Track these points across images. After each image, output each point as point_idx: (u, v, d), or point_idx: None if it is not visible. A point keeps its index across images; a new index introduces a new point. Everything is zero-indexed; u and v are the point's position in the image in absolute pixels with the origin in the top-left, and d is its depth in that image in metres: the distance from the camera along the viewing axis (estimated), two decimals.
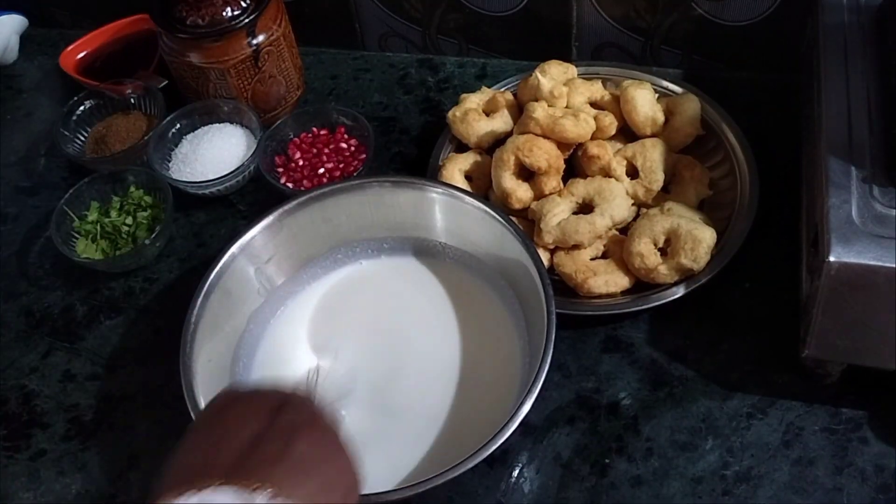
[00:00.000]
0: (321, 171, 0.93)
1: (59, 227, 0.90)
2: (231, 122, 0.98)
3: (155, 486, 0.48)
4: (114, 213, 0.92)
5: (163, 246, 0.92)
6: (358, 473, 0.52)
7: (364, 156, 0.94)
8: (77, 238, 0.91)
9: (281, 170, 0.94)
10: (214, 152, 0.95)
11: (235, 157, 0.95)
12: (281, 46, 0.97)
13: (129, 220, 0.91)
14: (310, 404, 0.53)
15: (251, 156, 0.94)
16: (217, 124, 0.98)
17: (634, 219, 0.84)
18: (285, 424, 0.50)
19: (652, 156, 0.85)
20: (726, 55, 0.99)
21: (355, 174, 0.92)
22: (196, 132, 0.98)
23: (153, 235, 0.88)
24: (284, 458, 0.47)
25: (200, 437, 0.51)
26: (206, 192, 0.93)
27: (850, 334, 0.68)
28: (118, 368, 0.84)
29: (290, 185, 0.92)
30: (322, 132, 0.97)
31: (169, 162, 0.96)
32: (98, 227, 0.91)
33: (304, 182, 0.92)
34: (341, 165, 0.94)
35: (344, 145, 0.95)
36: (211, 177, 0.93)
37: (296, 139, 0.96)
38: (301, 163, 0.94)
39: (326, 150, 0.95)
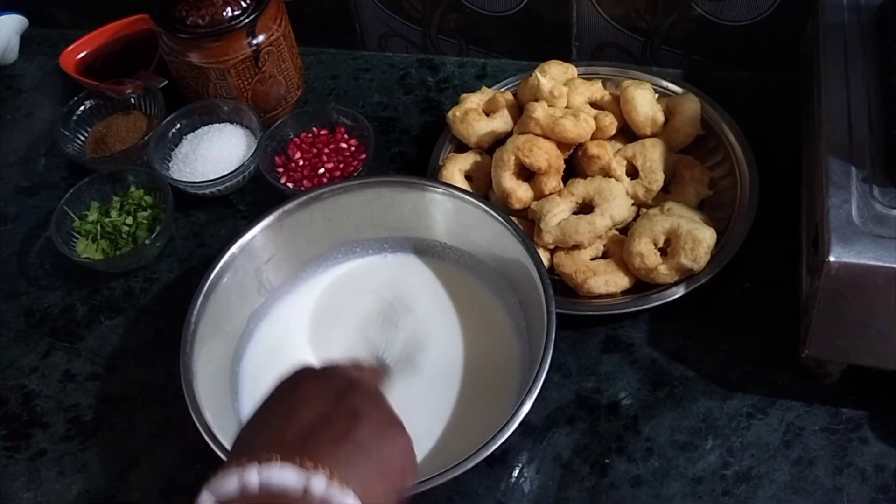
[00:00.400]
0: (321, 170, 0.93)
1: (59, 227, 0.90)
2: (231, 122, 0.98)
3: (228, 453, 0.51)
4: (114, 213, 0.92)
5: (163, 246, 0.92)
6: (412, 457, 0.53)
7: (364, 156, 0.94)
8: (77, 238, 0.91)
9: (281, 170, 0.94)
10: (214, 152, 0.95)
11: (235, 157, 0.95)
12: (281, 46, 0.97)
13: (130, 220, 0.91)
14: (372, 390, 0.55)
15: (251, 156, 0.93)
16: (217, 124, 0.98)
17: (634, 219, 0.84)
18: (349, 409, 0.51)
19: (652, 156, 0.85)
20: (726, 55, 0.99)
21: (355, 174, 0.92)
22: (196, 132, 0.98)
23: (153, 235, 0.88)
24: (345, 441, 0.49)
25: (270, 411, 0.53)
26: (206, 192, 0.93)
27: (849, 334, 0.68)
28: (118, 368, 0.84)
29: (290, 185, 0.92)
30: (322, 132, 0.97)
31: (169, 162, 0.96)
32: (98, 227, 0.91)
33: (305, 182, 0.92)
34: (341, 165, 0.94)
35: (344, 145, 0.95)
36: (211, 177, 0.92)
37: (296, 139, 0.96)
38: (301, 163, 0.94)
39: (326, 150, 0.95)
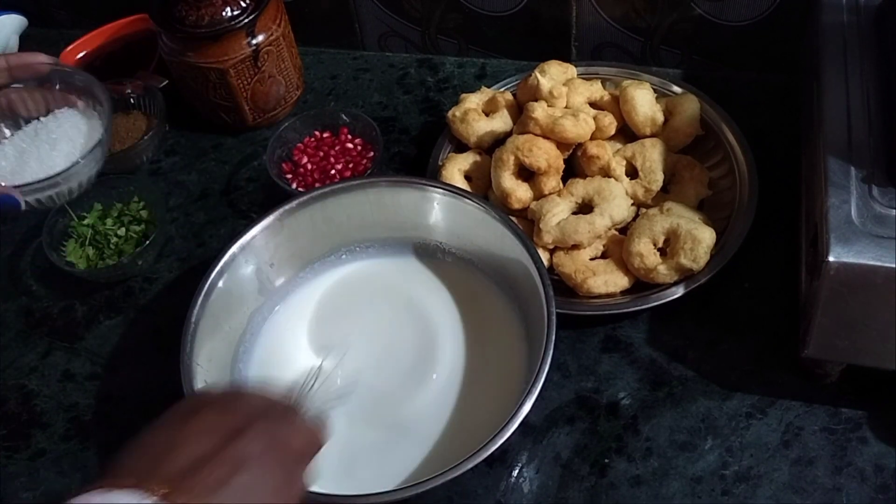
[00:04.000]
0: (332, 172, 0.93)
1: (56, 225, 0.89)
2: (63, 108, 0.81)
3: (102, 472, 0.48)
4: (109, 221, 0.91)
5: (148, 266, 0.90)
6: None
7: (372, 154, 0.94)
8: (70, 237, 0.90)
9: (290, 176, 0.94)
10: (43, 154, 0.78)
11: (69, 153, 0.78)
12: (280, 46, 0.97)
13: (122, 232, 0.90)
14: (274, 429, 0.52)
15: (92, 150, 0.76)
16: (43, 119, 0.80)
17: (634, 219, 0.84)
18: (238, 452, 0.49)
19: (651, 156, 0.85)
20: (726, 55, 1.00)
21: (366, 173, 0.92)
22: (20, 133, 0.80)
23: (138, 249, 0.87)
24: (225, 486, 0.48)
25: (155, 437, 0.51)
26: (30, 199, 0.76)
27: (849, 334, 0.68)
28: (118, 368, 0.84)
29: (301, 189, 0.92)
30: (325, 135, 0.97)
31: None
32: (90, 232, 0.90)
33: (316, 185, 0.91)
34: (350, 165, 0.93)
35: (350, 146, 0.95)
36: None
37: (300, 144, 0.96)
38: (310, 167, 0.94)
39: (333, 152, 0.94)
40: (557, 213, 0.82)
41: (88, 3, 1.16)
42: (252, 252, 0.78)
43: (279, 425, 0.53)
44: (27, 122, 0.79)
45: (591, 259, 0.82)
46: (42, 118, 0.79)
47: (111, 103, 0.78)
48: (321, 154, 0.95)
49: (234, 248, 0.77)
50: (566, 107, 0.88)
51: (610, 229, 0.83)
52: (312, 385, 0.63)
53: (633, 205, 0.84)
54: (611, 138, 0.88)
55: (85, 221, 0.91)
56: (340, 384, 0.73)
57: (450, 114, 0.92)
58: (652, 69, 0.96)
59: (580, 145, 0.86)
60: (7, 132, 0.79)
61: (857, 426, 0.73)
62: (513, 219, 0.77)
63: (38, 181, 0.73)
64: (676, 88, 0.93)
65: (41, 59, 0.74)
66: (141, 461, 0.49)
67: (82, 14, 1.17)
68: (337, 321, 0.81)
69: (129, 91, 1.01)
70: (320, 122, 0.97)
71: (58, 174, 0.75)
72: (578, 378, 0.78)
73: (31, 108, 0.77)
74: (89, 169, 0.77)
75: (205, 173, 0.99)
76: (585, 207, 0.84)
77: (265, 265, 0.80)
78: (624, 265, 0.81)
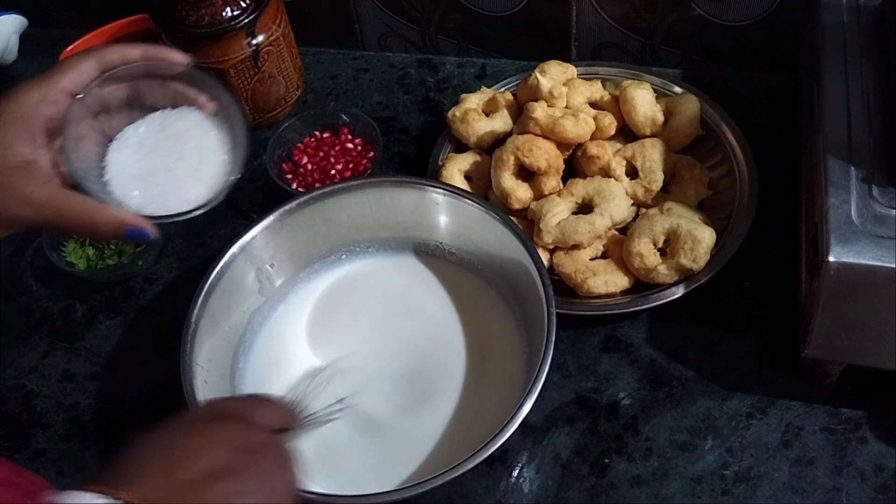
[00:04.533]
0: (332, 172, 0.93)
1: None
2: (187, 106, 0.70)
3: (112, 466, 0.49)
4: None
5: (148, 266, 0.90)
6: None
7: (372, 154, 0.93)
8: (70, 238, 0.90)
9: (290, 176, 0.94)
10: (182, 164, 0.68)
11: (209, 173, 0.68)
12: (280, 46, 0.97)
13: None
14: (283, 454, 0.54)
15: (235, 168, 0.68)
16: (170, 110, 0.69)
17: (634, 219, 0.84)
18: (248, 469, 0.50)
19: (651, 156, 0.85)
20: (726, 55, 1.00)
21: (366, 173, 0.92)
22: (142, 124, 0.68)
23: (138, 249, 0.88)
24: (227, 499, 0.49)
25: (172, 439, 0.51)
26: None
27: (849, 334, 0.68)
28: (118, 368, 0.84)
29: (301, 189, 0.92)
30: (325, 135, 0.97)
31: (104, 178, 0.66)
32: None
33: (317, 185, 0.91)
34: (350, 165, 0.93)
35: (350, 146, 0.95)
36: (178, 209, 0.66)
37: (300, 144, 0.96)
38: (310, 167, 0.94)
39: (333, 152, 0.94)
40: (557, 213, 0.82)
41: (88, 3, 1.16)
42: (252, 252, 0.78)
43: (282, 450, 0.55)
44: (152, 109, 0.69)
45: (591, 259, 0.82)
46: (169, 109, 0.69)
47: (247, 124, 0.68)
48: (321, 154, 0.95)
49: (234, 248, 0.77)
50: (566, 107, 0.88)
51: (610, 229, 0.83)
52: (319, 391, 0.64)
53: (633, 205, 0.84)
54: (611, 138, 0.88)
55: None
56: (343, 393, 0.71)
57: (450, 114, 0.92)
58: (652, 69, 0.96)
59: (580, 145, 0.86)
60: (133, 122, 0.68)
61: (857, 426, 0.73)
62: (513, 219, 0.78)
63: (170, 215, 0.65)
64: (676, 88, 0.93)
65: (178, 57, 0.67)
66: (152, 465, 0.49)
67: (82, 14, 1.17)
68: (337, 321, 0.81)
69: None
70: (320, 122, 0.97)
71: (188, 212, 0.66)
72: (578, 378, 0.78)
73: (157, 96, 0.69)
74: (218, 200, 0.67)
75: None
76: (585, 207, 0.84)
77: (265, 265, 0.80)
78: (624, 265, 0.81)
